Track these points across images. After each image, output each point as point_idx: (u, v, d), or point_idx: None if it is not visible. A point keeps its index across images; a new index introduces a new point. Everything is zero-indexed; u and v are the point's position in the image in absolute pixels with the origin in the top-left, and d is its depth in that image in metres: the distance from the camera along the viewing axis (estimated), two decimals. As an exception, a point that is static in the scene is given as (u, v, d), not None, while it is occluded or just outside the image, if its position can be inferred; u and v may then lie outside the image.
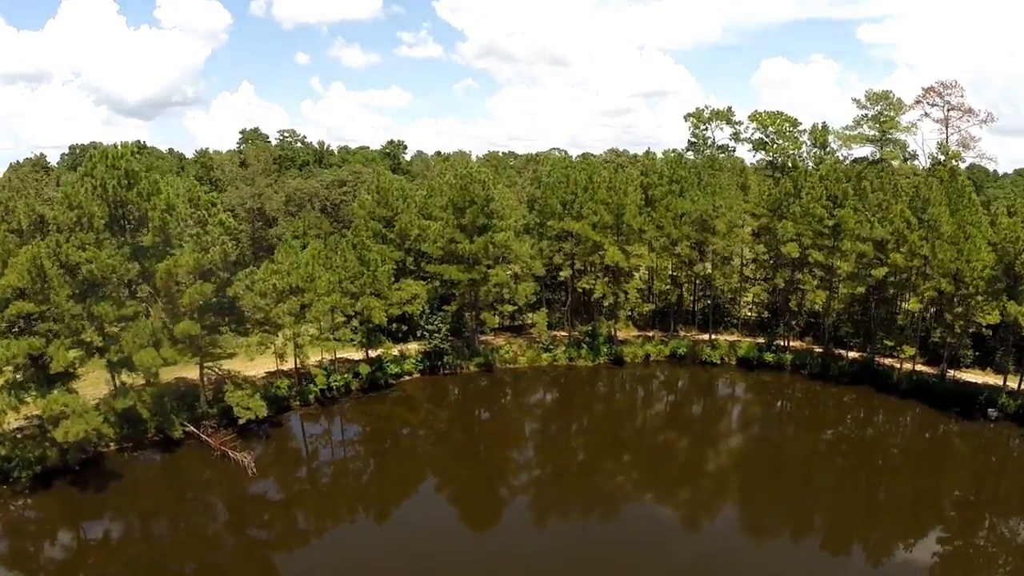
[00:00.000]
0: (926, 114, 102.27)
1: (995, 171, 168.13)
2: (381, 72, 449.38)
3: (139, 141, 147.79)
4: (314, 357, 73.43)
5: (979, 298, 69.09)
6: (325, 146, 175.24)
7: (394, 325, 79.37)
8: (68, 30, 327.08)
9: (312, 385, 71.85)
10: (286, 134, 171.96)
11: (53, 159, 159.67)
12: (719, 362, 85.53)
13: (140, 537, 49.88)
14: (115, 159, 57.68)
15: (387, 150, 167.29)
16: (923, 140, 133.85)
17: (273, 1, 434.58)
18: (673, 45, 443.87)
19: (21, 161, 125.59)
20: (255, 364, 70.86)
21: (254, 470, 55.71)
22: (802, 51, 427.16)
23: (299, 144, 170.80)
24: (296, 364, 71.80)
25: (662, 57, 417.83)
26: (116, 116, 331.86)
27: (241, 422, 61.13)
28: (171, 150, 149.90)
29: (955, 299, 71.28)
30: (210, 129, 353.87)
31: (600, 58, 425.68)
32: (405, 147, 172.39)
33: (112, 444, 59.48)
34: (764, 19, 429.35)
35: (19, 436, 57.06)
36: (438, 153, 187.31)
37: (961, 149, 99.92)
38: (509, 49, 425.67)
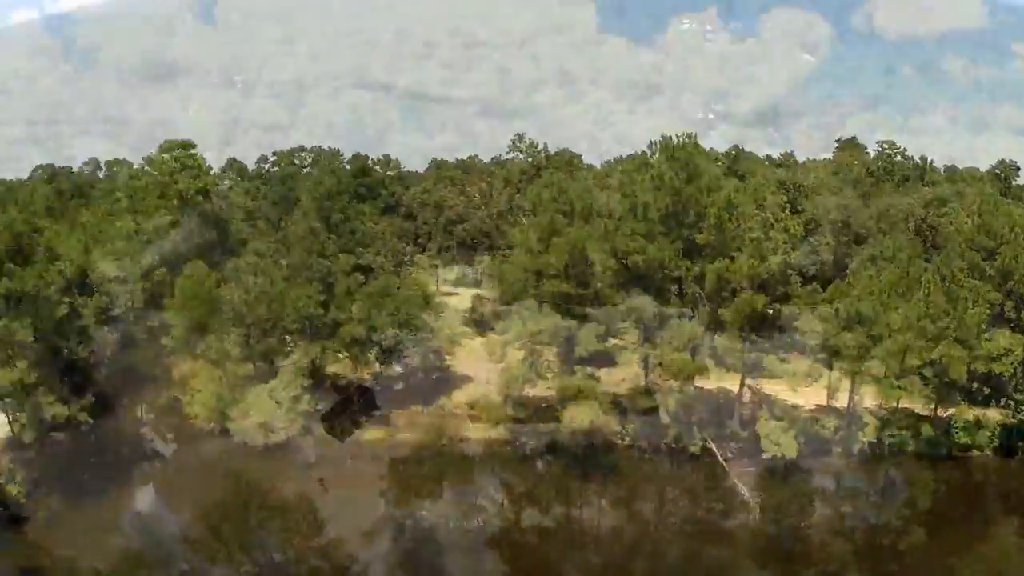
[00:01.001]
0: None
1: None
2: (988, 86, 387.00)
3: (736, 145, 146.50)
4: (870, 401, 61.96)
5: None
6: (928, 162, 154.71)
7: (975, 384, 62.86)
8: (677, 44, 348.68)
9: (860, 433, 60.44)
10: (885, 145, 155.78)
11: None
12: None
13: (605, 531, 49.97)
14: (675, 150, 54.66)
15: (996, 170, 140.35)
16: None
17: (873, 14, 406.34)
18: None
19: (623, 156, 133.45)
20: (803, 392, 61.83)
21: (757, 516, 47.86)
22: None
23: (899, 157, 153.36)
24: (849, 404, 61.25)
25: None
26: (722, 124, 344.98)
27: (766, 456, 53.69)
28: (768, 156, 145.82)
29: None
30: (806, 140, 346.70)
31: None
32: (1018, 169, 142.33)
33: (626, 439, 57.59)
34: None
35: (544, 406, 58.33)
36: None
37: None
38: None
